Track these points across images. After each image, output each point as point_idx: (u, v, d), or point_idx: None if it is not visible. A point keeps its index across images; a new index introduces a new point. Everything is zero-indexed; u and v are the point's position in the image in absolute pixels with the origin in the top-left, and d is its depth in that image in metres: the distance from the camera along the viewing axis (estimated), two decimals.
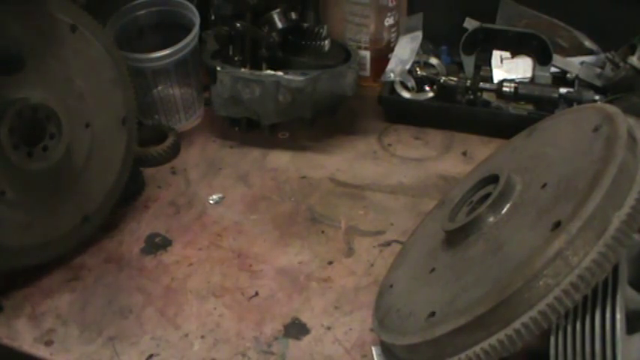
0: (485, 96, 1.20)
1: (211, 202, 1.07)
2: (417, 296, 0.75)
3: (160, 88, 1.20)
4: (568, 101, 1.16)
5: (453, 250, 0.76)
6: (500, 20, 1.32)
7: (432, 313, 0.68)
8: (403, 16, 1.35)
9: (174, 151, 1.18)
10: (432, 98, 1.21)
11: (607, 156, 0.65)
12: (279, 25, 1.12)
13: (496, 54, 1.24)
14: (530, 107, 1.18)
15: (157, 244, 0.99)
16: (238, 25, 1.11)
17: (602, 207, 0.61)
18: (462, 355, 0.63)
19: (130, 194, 1.05)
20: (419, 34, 1.28)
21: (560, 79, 1.22)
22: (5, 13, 0.80)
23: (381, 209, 1.04)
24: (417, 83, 1.22)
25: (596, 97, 1.14)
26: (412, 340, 0.68)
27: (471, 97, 1.19)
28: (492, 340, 0.61)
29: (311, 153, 1.18)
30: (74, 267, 0.94)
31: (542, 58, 1.20)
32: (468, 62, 1.23)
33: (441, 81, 1.20)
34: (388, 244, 0.97)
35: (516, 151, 0.87)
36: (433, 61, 1.25)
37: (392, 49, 1.30)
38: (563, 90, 1.16)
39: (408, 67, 1.23)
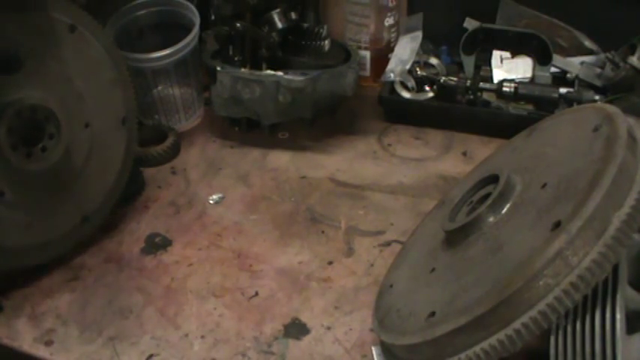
0: (485, 96, 1.20)
1: (211, 202, 1.07)
2: (417, 296, 0.75)
3: (159, 88, 1.21)
4: (568, 101, 1.16)
5: (453, 250, 0.76)
6: (500, 20, 1.32)
7: (432, 313, 0.68)
8: (403, 16, 1.35)
9: (174, 151, 1.18)
10: (432, 98, 1.21)
11: (607, 156, 0.65)
12: (279, 25, 1.12)
13: (496, 54, 1.24)
14: (530, 107, 1.18)
15: (156, 244, 0.99)
16: (238, 25, 1.11)
17: (602, 207, 0.61)
18: (462, 355, 0.63)
19: (130, 194, 1.05)
20: (419, 34, 1.28)
21: (560, 79, 1.22)
22: (3, 13, 0.80)
23: (381, 209, 1.04)
24: (417, 83, 1.22)
25: (596, 97, 1.15)
26: (412, 340, 0.68)
27: (471, 97, 1.19)
28: (492, 340, 0.61)
29: (311, 153, 1.18)
30: (74, 267, 0.94)
31: (542, 58, 1.20)
32: (468, 62, 1.23)
33: (441, 81, 1.20)
34: (388, 244, 0.97)
35: (516, 151, 0.87)
36: (433, 61, 1.25)
37: (392, 49, 1.30)
38: (563, 90, 1.16)
39: (408, 67, 1.23)
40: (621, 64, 1.14)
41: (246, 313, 0.87)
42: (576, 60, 1.24)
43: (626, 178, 0.63)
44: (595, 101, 1.13)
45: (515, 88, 1.17)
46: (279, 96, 1.10)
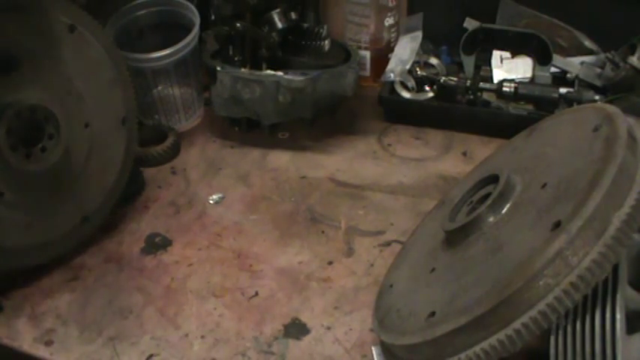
0: (485, 96, 1.20)
1: (211, 202, 1.07)
2: (417, 296, 0.75)
3: (159, 88, 1.20)
4: (568, 101, 1.16)
5: (453, 250, 0.76)
6: (500, 20, 1.32)
7: (432, 313, 0.68)
8: (403, 16, 1.35)
9: (174, 151, 1.18)
10: (432, 98, 1.21)
11: (607, 156, 0.65)
12: (279, 25, 1.12)
13: (496, 54, 1.24)
14: (530, 107, 1.18)
15: (156, 244, 0.99)
16: (238, 25, 1.11)
17: (602, 207, 0.61)
18: (462, 355, 0.63)
19: (130, 194, 1.05)
20: (419, 34, 1.28)
21: (560, 79, 1.22)
22: (2, 13, 0.80)
23: (381, 209, 1.04)
24: (417, 83, 1.22)
25: (596, 97, 1.14)
26: (412, 340, 0.68)
27: (471, 97, 1.19)
28: (492, 340, 0.61)
29: (311, 153, 1.18)
30: (74, 267, 0.94)
31: (542, 58, 1.20)
32: (468, 62, 1.23)
33: (441, 81, 1.20)
34: (388, 244, 0.97)
35: (516, 151, 0.87)
36: (433, 61, 1.25)
37: (392, 49, 1.30)
38: (563, 90, 1.16)
39: (408, 67, 1.23)
40: (621, 64, 1.14)
41: (246, 313, 0.87)
42: (576, 60, 1.24)
43: (626, 178, 0.63)
44: (595, 101, 1.13)
45: (515, 88, 1.17)
46: (279, 96, 1.10)
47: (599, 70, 1.19)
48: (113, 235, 1.00)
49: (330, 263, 0.94)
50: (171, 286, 0.91)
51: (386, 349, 0.77)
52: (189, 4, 1.20)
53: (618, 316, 0.61)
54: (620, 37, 1.18)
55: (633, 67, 1.13)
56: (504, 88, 1.17)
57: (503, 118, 1.17)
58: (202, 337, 0.83)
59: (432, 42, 1.31)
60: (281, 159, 1.17)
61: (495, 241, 0.70)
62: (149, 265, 0.95)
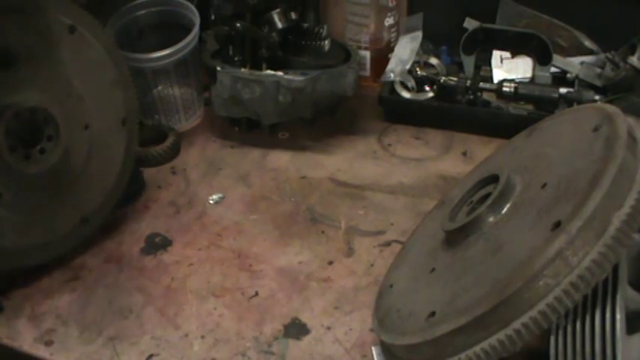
0: (485, 96, 1.20)
1: (211, 202, 1.07)
2: (417, 296, 0.75)
3: (160, 88, 1.20)
4: (568, 101, 1.16)
5: (453, 250, 0.76)
6: (500, 20, 1.32)
7: (432, 313, 0.68)
8: (403, 16, 1.35)
9: (175, 151, 1.18)
10: (432, 98, 1.21)
11: (607, 156, 0.65)
12: (279, 25, 1.12)
13: (496, 54, 1.24)
14: (530, 107, 1.18)
15: (157, 244, 0.99)
16: (238, 25, 1.11)
17: (602, 207, 0.61)
18: (462, 355, 0.63)
19: (130, 194, 1.05)
20: (419, 34, 1.28)
21: (560, 79, 1.22)
22: (2, 13, 0.80)
23: (381, 209, 1.04)
24: (417, 83, 1.22)
25: (596, 97, 1.14)
26: (412, 340, 0.68)
27: (471, 97, 1.19)
28: (492, 340, 0.61)
29: (311, 153, 1.18)
30: (74, 267, 0.94)
31: (542, 58, 1.20)
32: (468, 62, 1.23)
33: (441, 81, 1.20)
34: (388, 244, 0.97)
35: (516, 151, 0.87)
36: (433, 61, 1.25)
37: (392, 49, 1.30)
38: (563, 90, 1.16)
39: (408, 67, 1.23)
40: (621, 64, 1.14)
41: (246, 313, 0.87)
42: (576, 60, 1.24)
43: (626, 178, 0.63)
44: (595, 101, 1.13)
45: (515, 88, 1.17)
46: (279, 96, 1.10)
47: (599, 70, 1.19)
48: (113, 235, 1.00)
49: (330, 263, 0.94)
50: (171, 286, 0.91)
51: (386, 349, 0.77)
52: (189, 4, 1.20)
53: (618, 316, 0.61)
54: (620, 37, 1.18)
55: (633, 67, 1.13)
56: (504, 88, 1.17)
57: (503, 118, 1.17)
58: (202, 337, 0.83)
59: (432, 42, 1.31)
60: (281, 159, 1.17)
61: (495, 241, 0.70)
62: (149, 265, 0.95)
